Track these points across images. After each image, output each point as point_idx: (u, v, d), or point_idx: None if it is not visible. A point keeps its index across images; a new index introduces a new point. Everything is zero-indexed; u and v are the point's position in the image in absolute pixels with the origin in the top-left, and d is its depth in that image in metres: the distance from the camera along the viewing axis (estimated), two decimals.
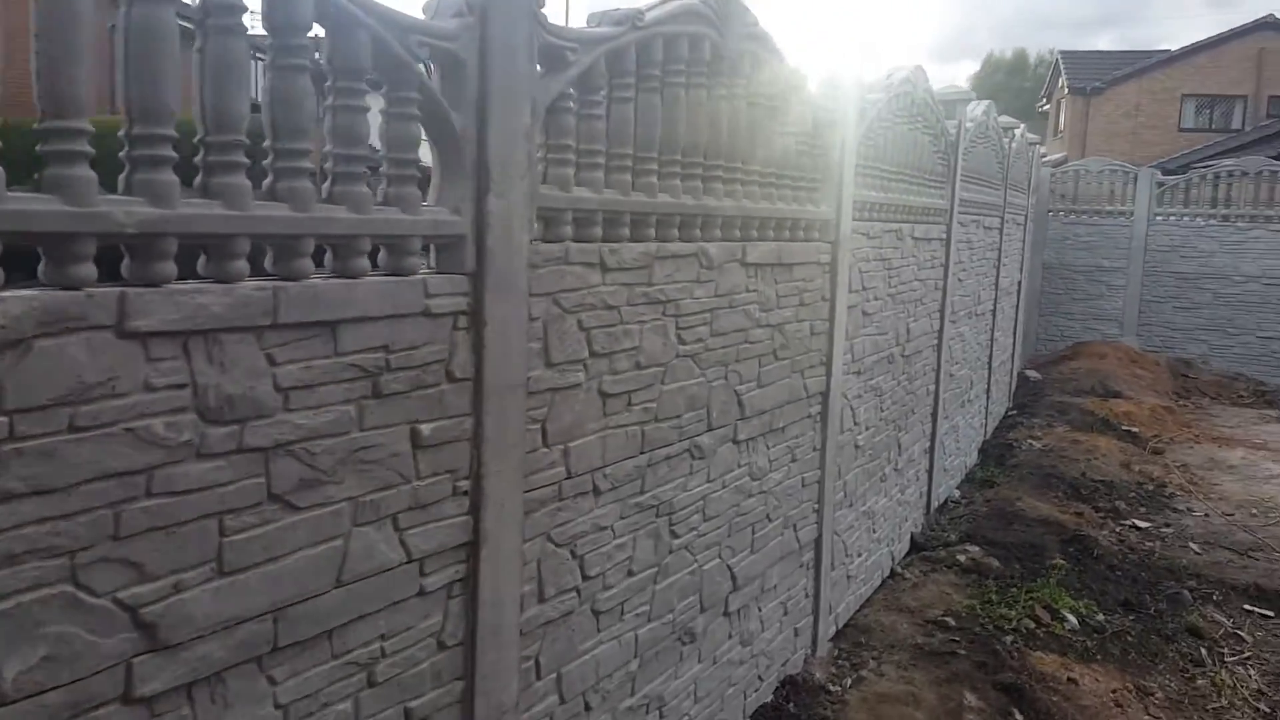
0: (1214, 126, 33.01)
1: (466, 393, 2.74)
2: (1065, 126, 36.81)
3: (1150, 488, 9.23)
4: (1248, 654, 6.09)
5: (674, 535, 3.88)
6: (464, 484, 2.77)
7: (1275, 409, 13.75)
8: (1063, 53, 39.77)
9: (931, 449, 7.65)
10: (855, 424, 5.71)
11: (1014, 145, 10.33)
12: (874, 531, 6.29)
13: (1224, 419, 13.02)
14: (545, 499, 3.13)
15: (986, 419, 10.39)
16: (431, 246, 2.68)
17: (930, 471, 7.68)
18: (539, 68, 2.93)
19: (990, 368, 10.20)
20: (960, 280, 8.17)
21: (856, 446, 5.79)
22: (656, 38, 3.40)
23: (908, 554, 7.14)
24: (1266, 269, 15.24)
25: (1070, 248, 16.66)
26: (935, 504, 8.01)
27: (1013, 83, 58.43)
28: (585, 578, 3.37)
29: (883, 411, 6.24)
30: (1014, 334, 12.43)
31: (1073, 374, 14.20)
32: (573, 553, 3.31)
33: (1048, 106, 42.15)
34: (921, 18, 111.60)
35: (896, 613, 6.04)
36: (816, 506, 5.19)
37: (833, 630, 5.61)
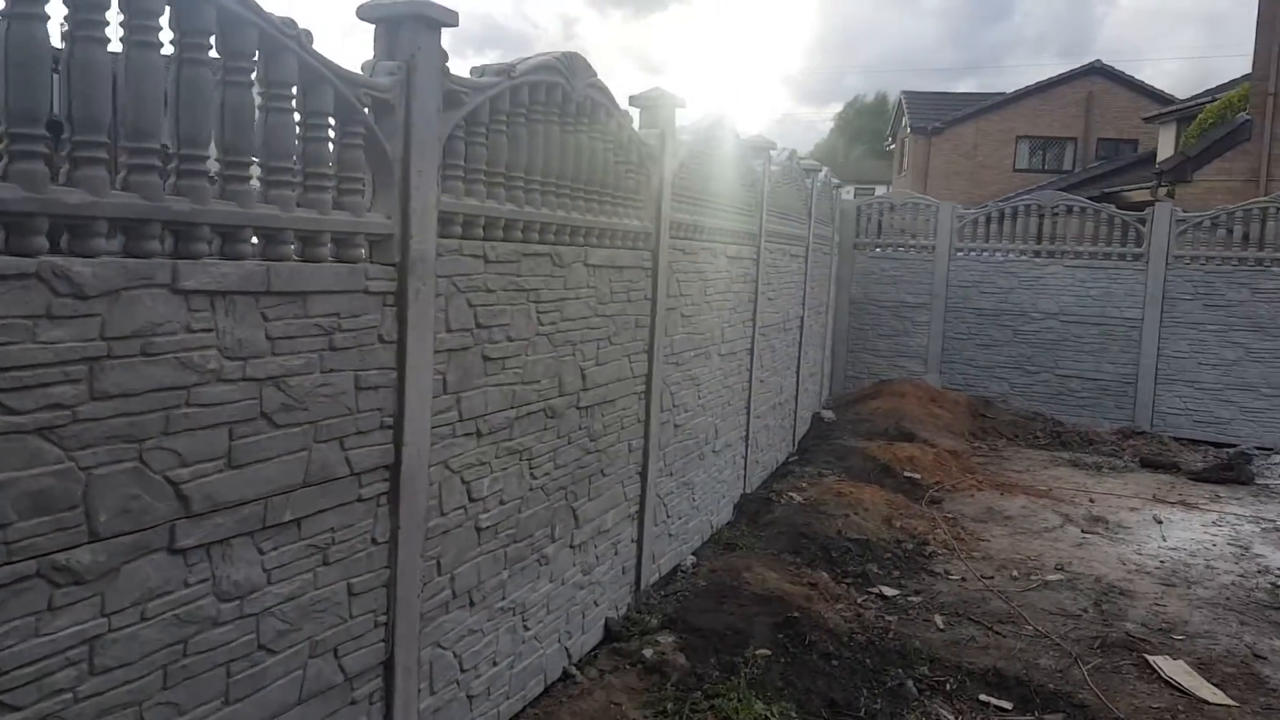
0: (1046, 167, 34.22)
1: None
2: (909, 165, 37.47)
3: (910, 546, 8.34)
4: None
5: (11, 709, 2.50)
6: None
7: (1068, 450, 13.37)
8: (905, 93, 40.66)
9: (640, 514, 6.49)
10: (472, 500, 4.46)
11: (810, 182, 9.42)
12: (525, 630, 5.05)
13: (1014, 462, 12.49)
14: None
15: (747, 469, 9.36)
16: None
17: (639, 541, 6.52)
18: None
19: (750, 413, 9.19)
20: (685, 316, 7.10)
21: (480, 529, 4.54)
22: None
23: (599, 645, 5.92)
24: (1064, 305, 14.98)
25: (876, 282, 16.12)
26: (653, 578, 6.84)
27: (872, 124, 60.41)
28: None
29: (533, 480, 5.01)
30: (796, 373, 11.57)
31: (871, 414, 13.49)
32: None
33: (893, 146, 42.97)
34: (794, 61, 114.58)
35: None
36: (383, 618, 3.89)
37: None
